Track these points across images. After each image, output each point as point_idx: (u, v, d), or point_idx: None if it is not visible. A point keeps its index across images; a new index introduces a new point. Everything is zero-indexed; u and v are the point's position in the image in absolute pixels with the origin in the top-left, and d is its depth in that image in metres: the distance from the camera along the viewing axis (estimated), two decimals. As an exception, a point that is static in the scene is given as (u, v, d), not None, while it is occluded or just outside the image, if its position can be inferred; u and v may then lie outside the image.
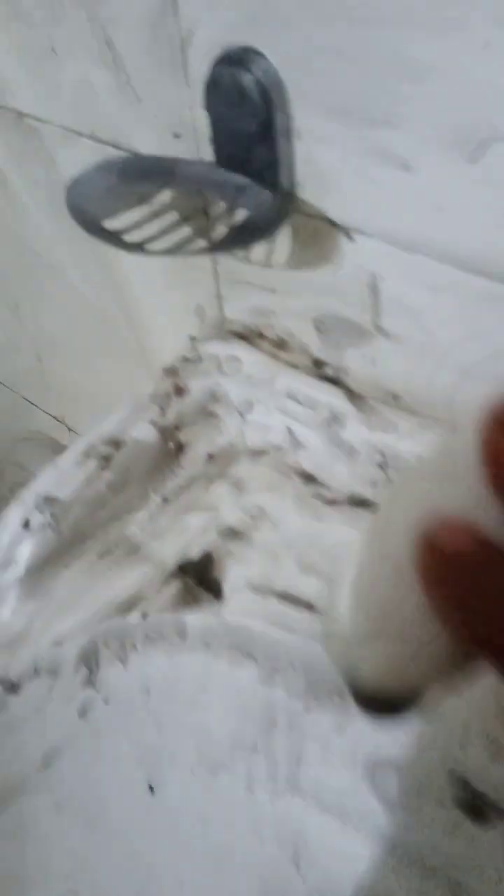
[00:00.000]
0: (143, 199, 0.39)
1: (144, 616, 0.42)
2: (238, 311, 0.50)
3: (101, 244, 0.55)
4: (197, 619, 0.42)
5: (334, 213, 0.39)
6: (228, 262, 0.47)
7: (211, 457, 0.49)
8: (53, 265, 0.63)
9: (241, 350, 0.49)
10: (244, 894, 0.47)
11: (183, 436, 0.49)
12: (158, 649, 0.43)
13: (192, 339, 0.56)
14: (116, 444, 0.46)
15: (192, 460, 0.49)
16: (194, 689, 0.45)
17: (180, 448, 0.49)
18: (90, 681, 0.44)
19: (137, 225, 0.38)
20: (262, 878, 0.47)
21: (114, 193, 0.39)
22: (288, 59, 0.35)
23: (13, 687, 0.42)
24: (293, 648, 0.40)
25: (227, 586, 0.43)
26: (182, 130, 0.43)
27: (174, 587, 0.43)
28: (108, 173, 0.40)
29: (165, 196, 0.40)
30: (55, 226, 0.59)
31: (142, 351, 0.62)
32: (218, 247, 0.39)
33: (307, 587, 0.42)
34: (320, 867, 0.46)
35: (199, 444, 0.49)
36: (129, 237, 0.37)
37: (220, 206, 0.39)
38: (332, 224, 0.39)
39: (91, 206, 0.37)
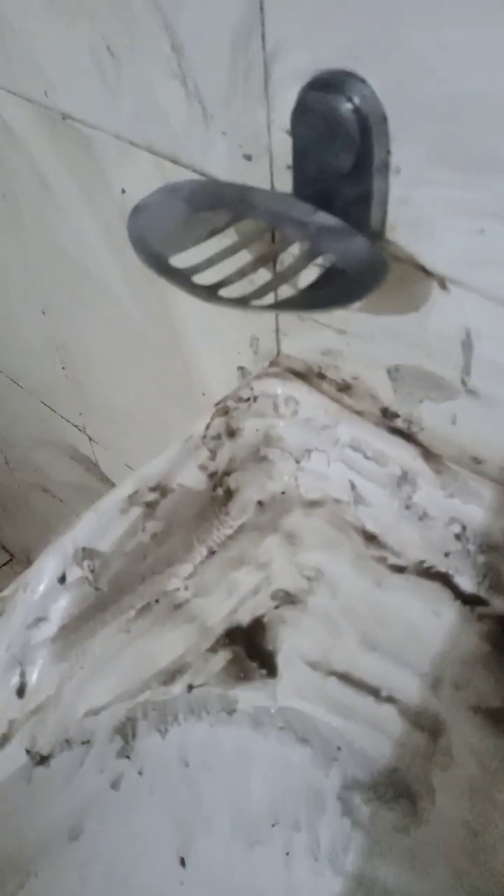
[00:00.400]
0: (213, 233, 0.35)
1: (190, 689, 0.39)
2: (298, 348, 0.46)
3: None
4: (248, 697, 0.38)
5: (428, 259, 0.34)
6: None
7: (261, 505, 0.45)
8: (94, 274, 0.59)
9: (299, 391, 0.45)
10: None
11: (232, 481, 0.45)
12: (203, 723, 0.40)
13: (242, 369, 0.52)
14: (163, 490, 0.42)
15: (241, 508, 0.45)
16: (237, 759, 0.42)
17: (229, 494, 0.45)
18: (124, 752, 0.40)
19: (207, 264, 0.34)
20: None
21: (180, 223, 0.35)
22: (392, 87, 0.31)
23: (42, 759, 0.38)
24: (354, 739, 0.37)
25: (281, 659, 0.39)
26: (255, 152, 0.39)
27: (222, 657, 0.39)
28: (174, 199, 0.36)
29: (236, 232, 0.36)
30: (100, 236, 0.55)
31: (185, 373, 0.58)
32: (292, 305, 0.35)
33: (371, 667, 0.38)
34: None
35: (249, 491, 0.46)
36: (200, 279, 0.32)
37: (298, 248, 0.34)
38: (424, 271, 0.35)
39: (156, 241, 0.33)
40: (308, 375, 0.46)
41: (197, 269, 0.33)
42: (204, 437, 0.44)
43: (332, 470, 0.44)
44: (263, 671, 0.39)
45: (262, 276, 0.35)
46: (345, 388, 0.44)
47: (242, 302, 0.31)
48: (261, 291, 0.32)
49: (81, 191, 0.53)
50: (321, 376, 0.45)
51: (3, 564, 1.56)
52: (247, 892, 0.45)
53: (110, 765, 0.40)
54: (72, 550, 0.40)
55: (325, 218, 0.34)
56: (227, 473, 0.45)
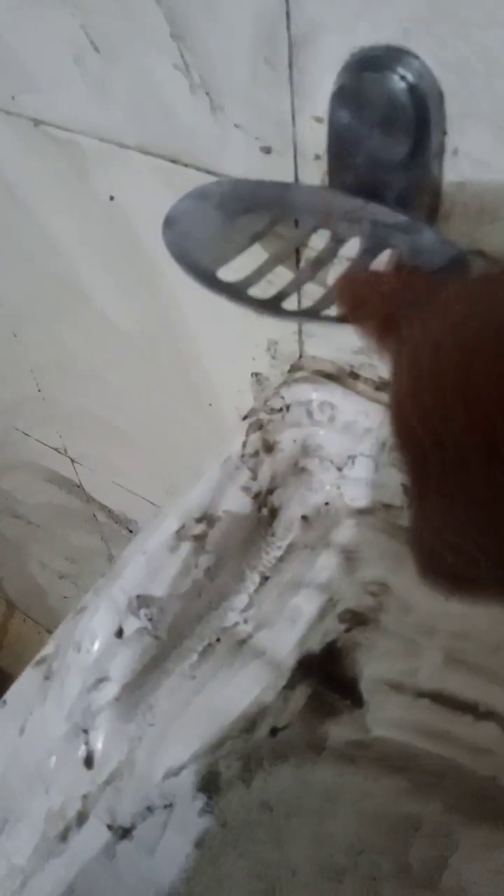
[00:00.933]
0: (254, 238, 0.32)
1: (274, 732, 0.36)
2: (325, 348, 0.43)
3: (139, 264, 0.48)
4: (337, 733, 0.36)
5: (489, 247, 0.32)
6: (318, 292, 0.40)
7: (306, 520, 0.43)
8: (73, 288, 0.54)
9: (334, 394, 0.42)
10: None
11: (275, 499, 0.42)
12: (288, 765, 0.37)
13: (256, 375, 0.49)
14: (209, 520, 0.39)
15: (286, 526, 0.42)
16: (321, 800, 0.39)
17: (273, 513, 0.42)
18: (208, 808, 0.37)
19: (258, 275, 0.30)
20: None
21: (219, 231, 0.31)
22: (450, 62, 0.28)
23: (125, 832, 0.35)
24: (455, 761, 0.34)
25: (365, 686, 0.37)
26: (276, 144, 0.35)
27: (301, 693, 0.37)
28: (205, 205, 0.32)
29: (281, 235, 0.33)
30: (81, 249, 0.51)
31: (186, 383, 0.54)
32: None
33: (462, 685, 0.36)
34: None
35: (292, 506, 0.43)
36: (256, 292, 0.29)
37: (358, 246, 0.31)
38: (484, 257, 0.32)
39: (197, 250, 0.30)
40: (340, 377, 0.43)
41: (250, 281, 0.30)
42: (242, 455, 0.41)
43: (381, 475, 0.41)
44: (348, 702, 0.37)
45: (321, 281, 0.32)
46: (383, 386, 0.42)
47: (312, 314, 0.28)
48: (325, 301, 0.29)
49: (59, 201, 0.48)
50: (354, 376, 0.43)
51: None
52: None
53: (193, 824, 0.37)
54: (125, 600, 0.36)
55: (379, 211, 0.31)
56: (269, 492, 0.42)
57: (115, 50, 0.38)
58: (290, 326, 0.44)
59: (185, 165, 0.40)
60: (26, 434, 0.79)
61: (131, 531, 0.81)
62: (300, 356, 0.45)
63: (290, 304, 0.30)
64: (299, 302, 0.36)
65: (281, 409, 0.42)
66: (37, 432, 0.77)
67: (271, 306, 0.29)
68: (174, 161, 0.40)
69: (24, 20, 0.40)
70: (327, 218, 0.32)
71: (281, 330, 0.44)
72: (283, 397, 0.43)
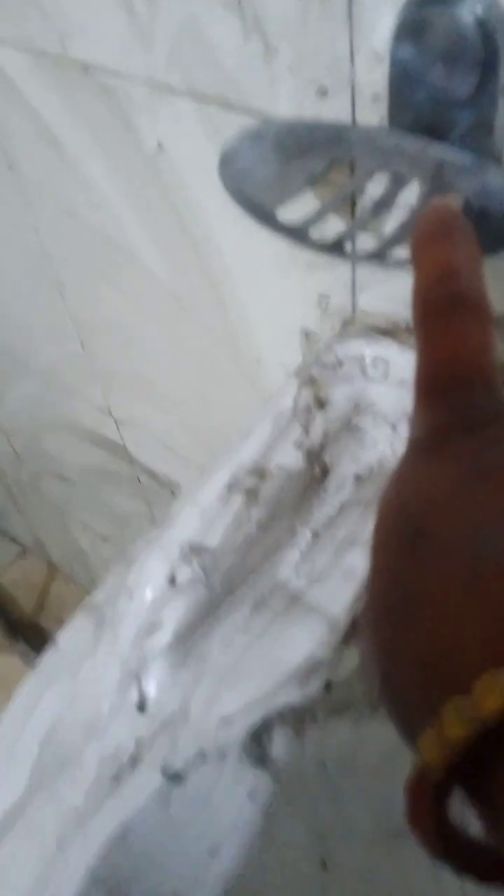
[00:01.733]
0: (312, 180, 0.31)
1: (329, 687, 0.36)
2: (380, 300, 0.42)
3: (185, 216, 0.47)
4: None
5: None
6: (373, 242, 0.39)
7: (359, 479, 0.42)
8: (117, 243, 0.54)
9: (388, 350, 0.41)
10: None
11: (327, 456, 0.42)
12: (345, 720, 0.37)
13: (306, 331, 0.48)
14: (261, 473, 0.39)
15: (339, 484, 0.42)
16: (379, 757, 0.39)
17: (325, 471, 0.42)
18: (261, 760, 0.37)
19: (319, 216, 0.29)
20: None
21: (276, 172, 0.31)
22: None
23: (177, 777, 0.35)
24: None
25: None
26: (332, 85, 0.34)
27: (357, 651, 0.36)
28: (260, 145, 0.31)
29: (340, 176, 0.32)
30: (125, 198, 0.50)
31: (231, 339, 0.54)
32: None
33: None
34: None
35: (345, 464, 0.42)
36: (317, 234, 0.28)
37: (418, 188, 0.30)
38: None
39: (254, 190, 0.29)
40: (395, 332, 0.42)
41: (309, 222, 0.29)
42: (294, 410, 0.40)
43: (434, 430, 0.41)
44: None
45: (383, 224, 0.31)
46: (438, 340, 0.41)
47: (376, 257, 0.27)
48: (389, 243, 0.28)
49: (103, 150, 0.48)
50: (410, 331, 0.42)
51: (17, 558, 1.52)
52: (391, 887, 0.43)
53: (247, 776, 0.37)
54: (178, 549, 0.36)
55: (444, 151, 0.30)
56: (322, 448, 0.41)
57: (167, -9, 0.37)
58: (343, 279, 0.43)
59: (237, 111, 0.39)
60: (70, 393, 0.79)
61: (174, 494, 0.82)
62: (353, 310, 0.44)
63: (349, 247, 0.29)
64: (353, 247, 0.35)
65: (333, 365, 0.42)
66: (80, 392, 0.77)
67: (334, 249, 0.28)
68: (225, 107, 0.39)
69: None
70: (387, 159, 0.31)
71: (333, 283, 0.43)
72: (335, 352, 0.42)
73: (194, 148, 0.42)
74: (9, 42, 0.46)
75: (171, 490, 0.82)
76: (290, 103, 0.37)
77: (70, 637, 0.38)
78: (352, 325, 0.43)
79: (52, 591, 1.46)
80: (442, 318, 0.23)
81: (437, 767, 0.16)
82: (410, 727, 0.17)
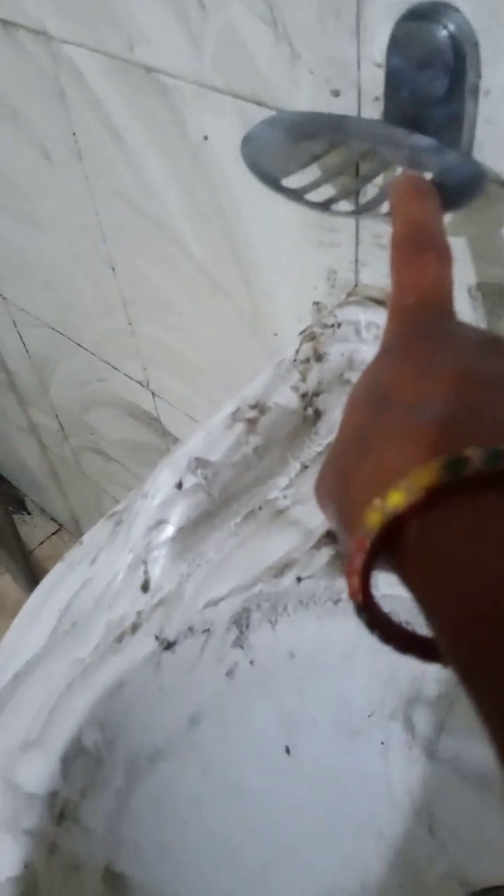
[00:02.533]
0: (315, 158, 0.39)
1: (299, 580, 0.43)
2: (377, 275, 0.49)
3: (221, 202, 0.55)
4: (353, 583, 0.42)
5: (514, 175, 0.38)
6: (374, 226, 0.46)
7: (346, 423, 0.49)
8: (163, 225, 0.62)
9: (381, 316, 0.48)
10: (380, 860, 0.48)
11: (321, 402, 0.49)
12: (310, 613, 0.44)
13: (317, 304, 0.56)
14: (261, 408, 0.46)
15: (329, 428, 0.49)
16: (339, 655, 0.46)
17: (318, 414, 0.49)
18: (239, 642, 0.44)
19: (315, 185, 0.37)
20: (397, 844, 0.48)
21: (286, 150, 0.38)
22: (485, 15, 0.34)
23: (169, 645, 0.42)
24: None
25: (380, 552, 0.43)
26: (343, 87, 0.42)
27: (326, 553, 0.43)
28: (275, 130, 0.39)
29: (337, 156, 0.39)
30: (172, 185, 0.58)
31: (254, 314, 0.62)
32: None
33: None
34: (459, 837, 0.47)
35: (335, 412, 0.49)
36: (311, 197, 0.36)
37: (398, 167, 0.38)
38: (510, 187, 0.38)
39: (267, 163, 0.37)
40: (387, 301, 0.49)
41: (307, 189, 0.36)
42: (294, 360, 0.48)
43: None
44: (365, 564, 0.43)
45: (366, 193, 0.39)
46: (423, 310, 0.48)
47: (356, 212, 0.35)
48: (365, 207, 0.36)
49: (156, 141, 0.56)
50: (400, 301, 0.49)
51: (52, 534, 1.62)
52: (347, 781, 0.49)
53: (227, 654, 0.44)
54: (186, 461, 0.44)
55: (420, 139, 0.37)
56: (316, 395, 0.48)
57: (214, 5, 0.45)
58: (348, 256, 0.50)
59: (267, 107, 0.47)
60: (115, 367, 0.88)
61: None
62: (356, 284, 0.51)
63: (338, 207, 0.36)
64: (381, 210, 0.43)
65: (332, 326, 0.49)
66: (124, 366, 0.86)
67: (322, 207, 0.35)
68: (258, 103, 0.47)
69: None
70: (375, 144, 0.38)
71: (340, 260, 0.51)
72: (335, 315, 0.49)
73: (233, 140, 0.51)
74: (87, 45, 0.55)
75: (196, 462, 0.89)
76: (309, 101, 0.44)
77: (92, 536, 0.46)
78: (353, 296, 0.51)
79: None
80: (412, 255, 0.31)
81: (376, 527, 0.22)
82: (355, 517, 0.23)
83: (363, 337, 0.49)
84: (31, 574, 1.50)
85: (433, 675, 0.44)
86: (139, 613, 0.42)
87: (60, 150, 0.66)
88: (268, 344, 0.63)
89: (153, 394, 0.86)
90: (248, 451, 0.45)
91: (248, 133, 0.38)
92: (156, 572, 0.43)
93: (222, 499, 0.45)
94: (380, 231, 0.47)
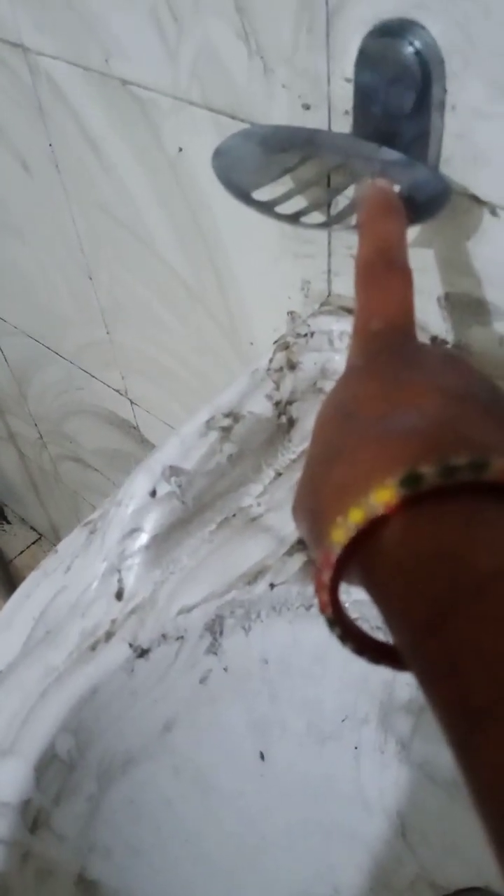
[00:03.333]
0: (286, 171, 0.39)
1: (272, 586, 0.43)
2: (350, 286, 0.50)
3: (198, 212, 0.56)
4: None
5: (481, 189, 0.39)
6: (346, 237, 0.47)
7: (320, 431, 0.50)
8: (141, 235, 0.63)
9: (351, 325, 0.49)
10: (352, 864, 0.48)
11: (294, 410, 0.49)
12: (283, 619, 0.44)
13: (292, 314, 0.56)
14: (235, 416, 0.47)
15: (302, 436, 0.50)
16: (311, 660, 0.46)
17: (291, 423, 0.49)
18: (213, 648, 0.45)
19: (286, 197, 0.38)
20: (369, 847, 0.48)
21: (258, 163, 0.39)
22: (452, 32, 0.35)
23: (143, 652, 0.42)
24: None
25: (352, 558, 0.43)
26: (314, 101, 0.43)
27: (298, 559, 0.44)
28: (247, 143, 0.40)
29: (308, 169, 0.40)
30: (149, 195, 0.59)
31: (230, 323, 0.62)
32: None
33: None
34: (429, 841, 0.47)
35: (308, 420, 0.50)
36: (281, 209, 0.37)
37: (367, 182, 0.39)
38: (477, 200, 0.39)
39: (238, 176, 0.37)
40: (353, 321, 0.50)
41: (277, 201, 0.37)
42: (269, 369, 0.48)
43: (386, 395, 0.48)
44: (337, 570, 0.44)
45: (337, 205, 0.39)
46: (395, 320, 0.49)
47: (327, 224, 0.36)
48: (335, 219, 0.37)
49: (133, 152, 0.57)
50: (372, 311, 0.50)
51: (32, 544, 1.61)
52: (318, 785, 0.49)
53: (200, 660, 0.44)
54: (160, 469, 0.44)
55: (389, 153, 0.38)
56: (289, 403, 0.49)
57: (189, 20, 0.46)
58: (322, 267, 0.51)
59: (241, 120, 0.47)
60: (93, 376, 0.88)
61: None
62: (329, 294, 0.52)
63: (308, 219, 0.37)
64: (350, 223, 0.43)
65: (306, 335, 0.50)
66: (102, 374, 0.86)
67: (292, 219, 0.36)
68: (232, 116, 0.48)
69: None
70: (346, 158, 0.39)
71: (314, 271, 0.52)
72: (308, 325, 0.50)
73: (208, 152, 0.51)
74: (64, 58, 0.55)
75: (175, 471, 0.89)
76: (282, 115, 0.45)
77: (67, 544, 0.46)
78: (326, 305, 0.51)
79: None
80: (378, 277, 0.32)
81: (340, 543, 0.22)
82: (322, 533, 0.24)
83: (336, 346, 0.50)
84: (11, 584, 1.49)
85: (405, 680, 0.44)
86: (113, 621, 0.43)
87: (38, 161, 0.66)
88: (244, 352, 0.64)
89: (131, 402, 0.86)
90: (221, 459, 0.46)
91: (219, 146, 0.39)
92: (130, 580, 0.44)
93: (196, 506, 0.45)
94: (352, 242, 0.47)
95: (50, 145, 0.63)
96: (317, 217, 0.37)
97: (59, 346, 0.89)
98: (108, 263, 0.70)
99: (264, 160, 0.39)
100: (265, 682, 0.47)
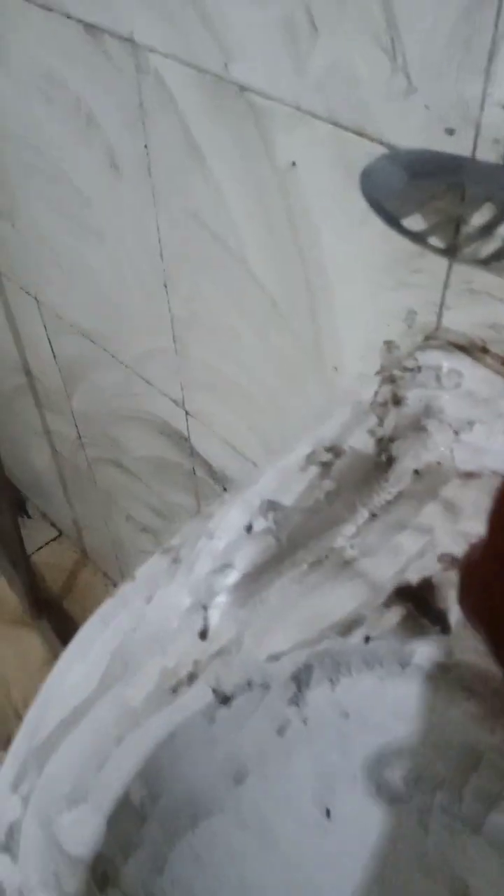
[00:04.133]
0: (432, 198, 0.37)
1: (367, 640, 0.40)
2: (463, 321, 0.47)
3: (300, 229, 0.53)
4: (425, 650, 0.40)
5: None
6: (467, 270, 0.44)
7: (417, 473, 0.47)
8: (231, 246, 0.60)
9: (463, 363, 0.46)
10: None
11: (395, 448, 0.46)
12: (373, 674, 0.41)
13: (389, 343, 0.54)
14: (336, 451, 0.44)
15: (399, 475, 0.47)
16: (392, 716, 0.43)
17: (390, 461, 0.46)
18: (296, 699, 0.42)
19: (439, 228, 0.35)
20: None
21: (404, 188, 0.36)
22: None
23: (226, 699, 0.39)
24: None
25: (454, 618, 0.40)
26: (459, 126, 0.40)
27: (396, 613, 0.41)
28: (394, 166, 0.37)
29: (454, 198, 0.37)
30: (248, 207, 0.56)
31: (314, 346, 0.59)
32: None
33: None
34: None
35: (408, 459, 0.47)
36: (434, 241, 0.34)
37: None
38: None
39: (387, 200, 0.35)
40: (471, 349, 0.47)
41: (429, 232, 0.34)
42: (373, 402, 0.45)
43: (493, 443, 0.45)
44: (437, 627, 0.40)
45: (492, 242, 0.37)
46: (511, 363, 0.46)
47: (484, 263, 0.33)
48: (493, 257, 0.34)
49: (239, 162, 0.54)
50: (485, 350, 0.47)
51: (52, 540, 1.58)
52: (382, 845, 0.46)
53: (281, 711, 0.41)
54: (258, 502, 0.41)
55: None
56: (391, 440, 0.46)
57: (328, 30, 0.43)
58: (433, 298, 0.48)
59: (369, 138, 0.45)
60: (150, 384, 0.85)
61: (226, 489, 0.87)
62: (437, 327, 0.49)
63: (464, 255, 0.34)
64: (458, 254, 0.40)
65: (413, 370, 0.47)
66: (161, 383, 0.83)
67: (447, 253, 0.33)
68: (358, 133, 0.45)
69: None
70: (494, 192, 0.36)
71: (422, 301, 0.49)
72: (416, 359, 0.47)
73: (323, 169, 0.49)
74: (177, 57, 0.53)
75: (223, 486, 0.87)
76: (418, 137, 0.42)
77: (146, 570, 0.43)
78: (433, 339, 0.48)
79: (81, 577, 1.51)
80: None
81: None
82: None
83: (443, 384, 0.47)
84: (31, 579, 1.47)
85: (489, 745, 0.41)
86: (196, 662, 0.40)
87: (129, 161, 0.63)
88: (326, 377, 0.61)
89: (187, 413, 0.84)
90: (319, 496, 0.43)
91: (367, 167, 0.36)
92: (215, 618, 0.41)
93: (289, 545, 0.42)
94: (471, 276, 0.45)
95: (145, 146, 0.61)
96: (471, 252, 0.34)
97: (119, 351, 0.87)
98: (189, 273, 0.67)
99: (411, 185, 0.37)
100: (340, 736, 0.44)
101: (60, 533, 1.59)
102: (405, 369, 0.47)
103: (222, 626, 0.41)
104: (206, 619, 0.41)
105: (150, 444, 0.95)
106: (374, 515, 0.45)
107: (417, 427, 0.47)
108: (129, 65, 0.57)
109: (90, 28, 0.58)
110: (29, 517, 1.65)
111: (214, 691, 0.39)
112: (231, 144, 0.54)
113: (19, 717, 1.31)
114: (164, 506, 1.04)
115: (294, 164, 0.50)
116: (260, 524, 0.41)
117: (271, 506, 0.41)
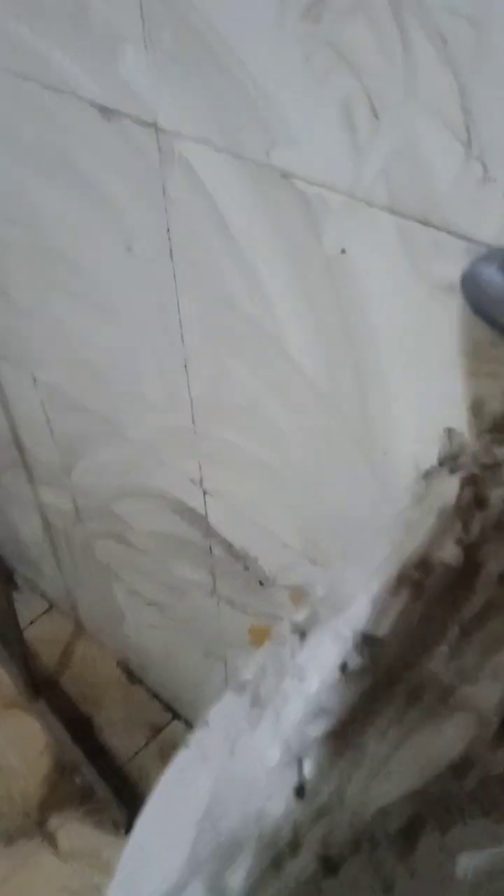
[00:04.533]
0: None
1: (483, 784, 0.36)
2: (539, 413, 0.44)
3: (349, 315, 0.50)
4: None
5: None
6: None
7: (502, 579, 0.43)
8: (267, 330, 0.57)
9: (546, 460, 0.43)
10: None
11: (481, 555, 0.43)
12: (489, 819, 0.37)
13: (449, 430, 0.50)
14: (426, 567, 0.40)
15: (485, 583, 0.43)
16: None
17: (476, 569, 0.43)
18: (404, 854, 0.37)
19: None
20: None
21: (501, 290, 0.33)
22: None
23: (332, 867, 0.35)
24: None
25: None
26: (543, 218, 0.37)
27: (512, 750, 0.37)
28: (490, 267, 0.34)
29: None
30: (290, 294, 0.53)
31: (363, 429, 0.56)
32: None
33: None
34: None
35: (492, 564, 0.43)
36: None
37: None
38: None
39: (492, 308, 0.31)
40: (550, 443, 0.44)
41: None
42: (457, 508, 0.42)
43: None
44: None
45: None
46: None
47: None
48: None
49: (280, 248, 0.51)
50: None
51: (42, 613, 1.51)
52: None
53: (390, 868, 0.37)
54: (350, 635, 0.37)
55: None
56: (478, 546, 0.42)
57: (391, 116, 0.40)
58: (504, 388, 0.45)
59: (436, 227, 0.42)
60: (163, 463, 0.81)
61: (247, 568, 0.82)
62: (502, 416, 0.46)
63: None
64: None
65: (491, 466, 0.44)
66: (176, 462, 0.79)
67: None
68: (423, 223, 0.42)
69: (295, 76, 0.43)
70: None
71: (494, 389, 0.46)
72: (493, 454, 0.44)
73: (380, 257, 0.45)
74: (209, 142, 0.50)
75: (244, 564, 0.82)
76: (490, 228, 0.40)
77: (222, 715, 0.39)
78: (501, 428, 0.45)
79: (78, 651, 1.44)
80: None
81: None
82: None
83: (525, 482, 0.43)
84: (24, 656, 1.39)
85: None
86: (295, 825, 0.35)
87: (148, 245, 0.60)
88: (373, 461, 0.57)
89: (205, 492, 0.79)
90: (413, 621, 0.39)
91: (467, 271, 0.33)
92: (311, 771, 0.36)
93: (387, 680, 0.38)
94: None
95: (167, 231, 0.57)
96: None
97: (129, 428, 0.82)
98: (212, 351, 0.64)
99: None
100: (444, 888, 0.40)
101: (51, 605, 1.52)
102: (484, 466, 0.43)
103: (320, 781, 0.36)
104: (300, 773, 0.36)
105: (160, 521, 0.91)
106: (465, 632, 0.42)
107: (500, 527, 0.44)
108: (152, 149, 0.53)
109: (106, 111, 0.55)
110: (17, 588, 1.58)
111: (320, 858, 0.35)
112: (270, 229, 0.51)
113: (23, 812, 1.22)
114: (173, 581, 0.99)
115: (344, 251, 0.47)
116: (355, 662, 0.37)
117: (367, 640, 0.37)
